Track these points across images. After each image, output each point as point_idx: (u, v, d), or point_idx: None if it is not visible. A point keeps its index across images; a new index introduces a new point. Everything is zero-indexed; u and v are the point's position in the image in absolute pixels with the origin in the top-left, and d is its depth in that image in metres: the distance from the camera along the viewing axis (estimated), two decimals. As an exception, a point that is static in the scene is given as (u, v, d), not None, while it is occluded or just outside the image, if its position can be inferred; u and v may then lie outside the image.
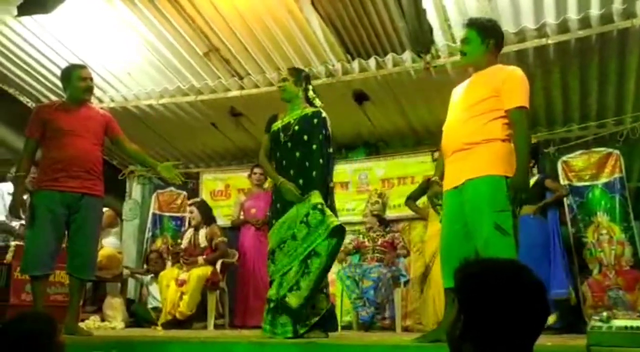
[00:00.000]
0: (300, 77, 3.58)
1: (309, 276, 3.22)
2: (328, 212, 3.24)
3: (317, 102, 3.55)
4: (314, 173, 3.33)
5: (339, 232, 3.24)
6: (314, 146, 3.37)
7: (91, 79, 3.72)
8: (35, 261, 3.47)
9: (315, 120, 3.43)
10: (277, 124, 3.51)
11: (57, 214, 3.48)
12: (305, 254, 3.24)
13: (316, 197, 3.25)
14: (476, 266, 1.33)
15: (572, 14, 4.15)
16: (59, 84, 5.52)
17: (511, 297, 1.24)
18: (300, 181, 3.34)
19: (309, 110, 3.49)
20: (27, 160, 3.63)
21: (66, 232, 3.57)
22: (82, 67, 3.83)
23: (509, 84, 2.75)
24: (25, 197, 3.80)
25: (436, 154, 4.87)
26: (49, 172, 3.52)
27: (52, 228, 3.47)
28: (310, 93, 3.56)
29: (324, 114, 3.47)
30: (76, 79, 3.63)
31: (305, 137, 3.39)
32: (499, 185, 2.68)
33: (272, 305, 3.34)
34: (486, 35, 2.86)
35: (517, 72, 2.81)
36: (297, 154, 3.39)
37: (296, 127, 3.42)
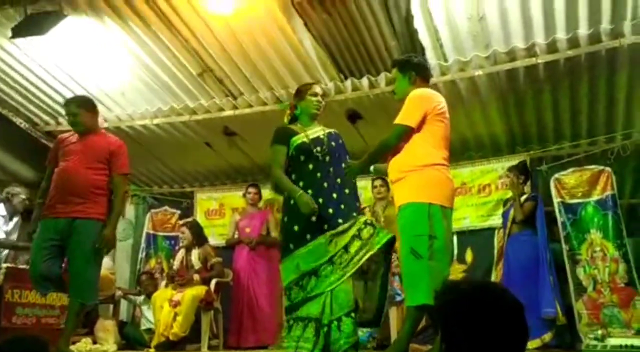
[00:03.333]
0: (301, 94, 3.50)
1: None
2: (378, 225, 3.23)
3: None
4: (354, 185, 3.32)
5: (393, 244, 3.17)
6: (343, 166, 3.30)
7: (74, 115, 3.75)
8: (36, 285, 3.62)
9: (341, 141, 3.41)
10: (301, 137, 3.30)
11: (46, 240, 3.54)
12: (360, 263, 3.06)
13: (363, 217, 3.21)
14: (453, 293, 1.33)
15: (561, 34, 4.21)
16: (53, 105, 5.58)
17: (490, 322, 1.24)
18: (346, 191, 3.26)
19: (330, 129, 3.42)
20: (44, 188, 3.75)
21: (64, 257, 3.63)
22: (67, 103, 3.91)
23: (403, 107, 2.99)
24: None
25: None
26: (48, 199, 3.64)
27: (38, 253, 3.54)
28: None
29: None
30: (66, 114, 3.84)
31: (337, 154, 3.32)
32: (419, 211, 2.82)
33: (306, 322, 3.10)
34: (406, 70, 3.11)
35: (409, 95, 2.99)
36: (331, 169, 3.26)
37: (333, 144, 3.32)
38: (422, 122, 2.90)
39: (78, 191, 3.56)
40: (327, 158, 3.27)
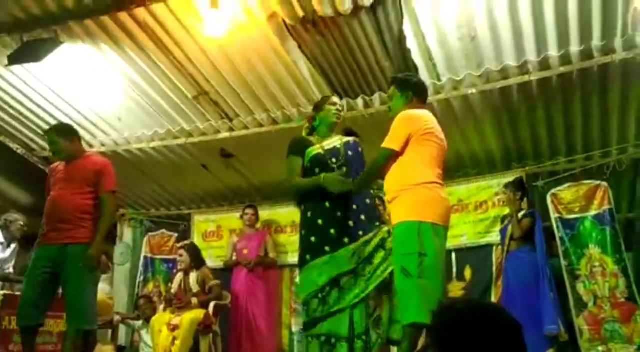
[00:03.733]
0: (319, 106, 3.49)
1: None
2: None
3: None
4: (372, 196, 3.27)
5: None
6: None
7: (54, 143, 3.80)
8: (19, 312, 3.58)
9: (360, 149, 3.36)
10: (317, 148, 3.25)
11: (40, 268, 3.55)
12: (384, 275, 2.99)
13: (386, 227, 3.11)
14: (449, 313, 1.32)
15: (553, 51, 4.25)
16: (49, 130, 5.59)
17: (488, 342, 1.23)
18: (367, 201, 3.20)
19: (348, 138, 3.37)
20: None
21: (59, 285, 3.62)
22: (46, 133, 4.00)
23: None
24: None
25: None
26: (41, 229, 3.67)
27: (35, 281, 3.54)
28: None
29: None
30: (48, 144, 3.88)
31: (355, 164, 3.25)
32: (409, 230, 2.81)
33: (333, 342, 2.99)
34: (404, 89, 3.13)
35: (396, 117, 3.01)
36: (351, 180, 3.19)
37: (350, 153, 3.27)
38: (407, 143, 2.92)
39: (66, 218, 3.58)
40: (344, 169, 3.18)
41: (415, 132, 2.92)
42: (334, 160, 3.20)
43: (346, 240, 3.05)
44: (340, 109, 3.40)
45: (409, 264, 2.78)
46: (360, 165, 3.30)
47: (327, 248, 3.04)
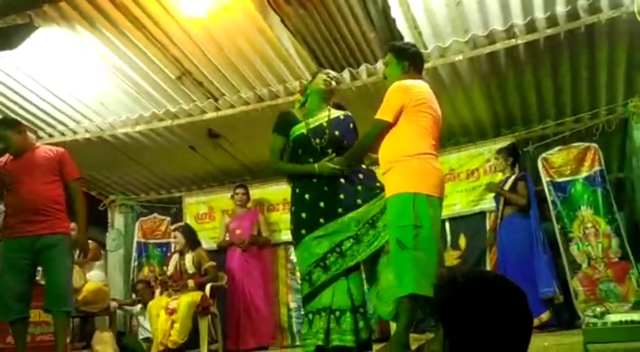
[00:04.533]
0: (313, 77, 3.42)
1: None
2: None
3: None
4: (359, 187, 3.15)
5: None
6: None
7: (4, 139, 3.71)
8: (3, 307, 3.55)
9: (351, 125, 3.28)
10: (301, 127, 3.20)
11: (15, 260, 3.54)
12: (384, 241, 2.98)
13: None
14: (451, 288, 1.30)
15: (539, 13, 4.19)
16: (33, 119, 5.47)
17: (493, 313, 1.22)
18: (360, 176, 3.15)
19: (339, 112, 3.29)
20: None
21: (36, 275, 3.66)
22: None
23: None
24: None
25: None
26: (6, 222, 3.65)
27: (13, 274, 3.54)
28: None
29: (354, 119, 3.34)
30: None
31: (345, 143, 3.20)
32: (404, 202, 2.80)
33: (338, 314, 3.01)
34: (401, 58, 3.08)
35: (389, 88, 2.99)
36: None
37: (336, 133, 3.18)
38: (400, 114, 2.89)
39: (39, 209, 3.56)
40: (330, 150, 3.16)
41: (408, 103, 2.89)
42: (317, 140, 3.16)
43: (340, 210, 3.05)
44: (331, 77, 3.31)
45: (404, 236, 2.78)
46: (354, 138, 3.25)
47: (321, 220, 3.06)
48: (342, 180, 3.11)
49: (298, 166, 3.18)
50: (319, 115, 3.24)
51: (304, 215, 3.10)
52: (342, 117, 3.28)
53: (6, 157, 3.81)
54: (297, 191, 3.17)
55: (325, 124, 3.20)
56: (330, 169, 3.08)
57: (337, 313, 2.98)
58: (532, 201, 4.93)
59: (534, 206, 4.95)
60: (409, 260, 2.76)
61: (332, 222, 3.04)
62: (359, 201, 3.07)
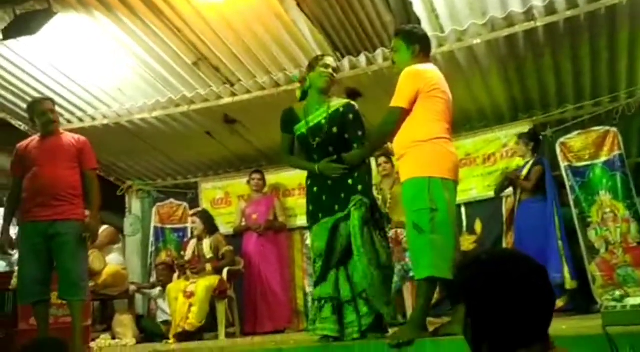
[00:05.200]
0: (309, 64, 3.39)
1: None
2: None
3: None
4: (356, 174, 3.18)
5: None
6: (354, 145, 3.21)
7: (52, 111, 3.78)
8: (24, 290, 3.62)
9: (351, 116, 3.24)
10: (302, 126, 3.27)
11: (35, 244, 3.57)
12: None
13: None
14: (474, 267, 1.30)
15: (559, -5, 4.13)
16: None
17: (517, 291, 1.22)
18: (350, 181, 3.17)
19: (337, 104, 3.28)
20: (11, 198, 3.78)
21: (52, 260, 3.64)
22: (42, 101, 3.91)
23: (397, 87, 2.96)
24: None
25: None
26: (24, 205, 3.67)
27: (33, 258, 3.57)
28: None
29: (356, 107, 3.30)
30: (38, 114, 3.74)
31: (346, 136, 3.22)
32: (419, 185, 2.81)
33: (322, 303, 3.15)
34: (411, 42, 3.03)
35: (402, 74, 2.96)
36: (343, 154, 3.19)
37: (334, 130, 3.20)
38: (415, 100, 2.88)
39: (57, 194, 3.59)
40: (330, 148, 3.22)
41: (422, 88, 2.89)
42: (316, 139, 3.23)
43: (337, 207, 3.15)
44: (332, 72, 3.31)
45: (420, 220, 2.80)
46: (355, 129, 3.25)
47: (320, 215, 3.19)
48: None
49: (303, 163, 3.35)
50: (319, 111, 3.27)
51: (311, 207, 3.27)
52: (341, 109, 3.27)
53: (29, 140, 3.84)
54: (309, 182, 3.31)
55: (323, 121, 3.23)
56: (332, 170, 3.16)
57: (322, 302, 3.13)
58: (548, 186, 4.89)
59: (552, 190, 4.90)
60: (426, 243, 2.77)
61: (325, 219, 3.14)
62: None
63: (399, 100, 2.92)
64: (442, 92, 2.94)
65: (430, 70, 2.98)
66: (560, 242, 4.79)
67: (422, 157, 2.86)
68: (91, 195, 3.74)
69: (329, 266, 3.15)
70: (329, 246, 3.12)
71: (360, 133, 3.25)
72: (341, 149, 3.20)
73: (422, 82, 2.90)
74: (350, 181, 3.16)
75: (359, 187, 3.16)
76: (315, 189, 3.26)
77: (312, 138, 3.23)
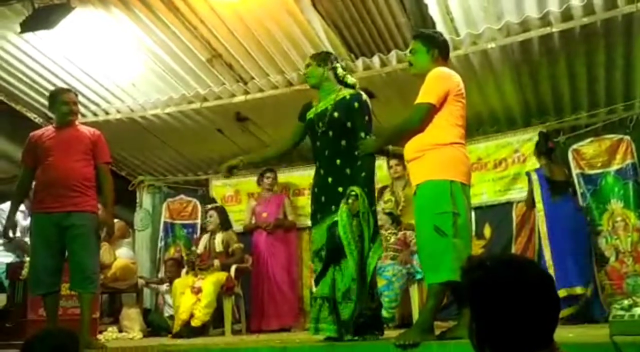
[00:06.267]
0: (323, 57, 3.38)
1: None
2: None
3: (350, 79, 3.36)
4: (359, 162, 3.17)
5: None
6: (360, 133, 3.18)
7: (74, 103, 3.81)
8: (35, 281, 3.64)
9: (356, 104, 3.22)
10: (311, 112, 3.32)
11: (47, 235, 3.59)
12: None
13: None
14: (481, 270, 1.30)
15: (576, 1, 4.11)
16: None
17: (521, 296, 1.22)
18: (348, 171, 3.17)
19: (346, 92, 3.28)
20: (21, 187, 3.82)
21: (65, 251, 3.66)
22: (66, 91, 3.93)
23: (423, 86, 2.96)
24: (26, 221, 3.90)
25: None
26: (37, 196, 3.69)
27: (45, 248, 3.59)
28: (340, 71, 3.33)
29: (364, 97, 3.27)
30: (60, 103, 3.74)
31: (349, 124, 3.20)
32: (441, 188, 2.81)
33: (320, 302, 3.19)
34: (430, 46, 3.04)
35: (430, 73, 2.95)
36: (343, 142, 3.20)
37: (335, 114, 3.20)
38: (444, 100, 2.89)
39: (72, 185, 3.59)
40: (331, 133, 3.22)
41: (452, 90, 2.91)
42: (320, 124, 3.26)
43: (333, 208, 3.14)
44: (304, 72, 3.48)
45: (443, 224, 2.78)
46: (361, 116, 3.22)
47: (319, 215, 3.23)
48: (348, 170, 3.19)
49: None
50: (328, 98, 3.31)
51: (313, 208, 3.31)
52: (348, 96, 3.27)
53: (43, 130, 3.87)
54: (312, 183, 3.35)
55: (329, 107, 3.26)
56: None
57: (319, 301, 3.17)
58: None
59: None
60: (448, 247, 2.76)
61: (324, 219, 3.17)
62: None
63: (429, 96, 2.89)
64: (464, 98, 2.98)
65: (457, 75, 3.01)
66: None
67: (444, 160, 2.85)
68: (105, 189, 3.76)
69: (327, 265, 3.17)
70: (326, 246, 3.15)
71: (364, 122, 3.21)
72: (341, 135, 3.21)
73: (452, 83, 2.92)
74: (348, 171, 3.17)
75: (359, 177, 3.13)
76: (316, 190, 3.30)
77: (317, 124, 3.26)
